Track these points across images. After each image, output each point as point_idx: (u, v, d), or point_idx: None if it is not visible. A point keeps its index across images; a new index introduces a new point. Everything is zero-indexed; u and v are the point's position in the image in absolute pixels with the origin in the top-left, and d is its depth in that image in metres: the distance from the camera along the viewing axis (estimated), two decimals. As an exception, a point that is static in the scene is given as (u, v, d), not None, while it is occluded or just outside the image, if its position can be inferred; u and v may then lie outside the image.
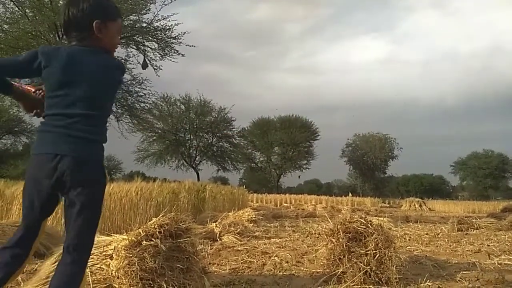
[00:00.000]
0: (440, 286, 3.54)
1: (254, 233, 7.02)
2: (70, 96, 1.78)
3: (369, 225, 3.63)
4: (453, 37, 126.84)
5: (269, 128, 42.63)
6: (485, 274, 3.96)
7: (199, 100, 31.66)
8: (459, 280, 3.70)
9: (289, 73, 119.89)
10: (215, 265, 4.17)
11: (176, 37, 15.23)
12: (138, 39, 15.14)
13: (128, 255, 2.72)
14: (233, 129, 33.60)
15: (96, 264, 2.87)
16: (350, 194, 31.27)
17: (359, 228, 3.59)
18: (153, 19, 14.61)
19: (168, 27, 14.92)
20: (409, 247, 5.79)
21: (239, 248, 5.37)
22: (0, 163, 32.74)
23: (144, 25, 14.76)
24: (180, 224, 2.95)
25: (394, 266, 3.43)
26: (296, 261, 4.53)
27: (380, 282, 3.35)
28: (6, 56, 12.82)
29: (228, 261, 4.41)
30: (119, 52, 15.50)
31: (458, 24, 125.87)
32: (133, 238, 2.78)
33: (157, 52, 15.43)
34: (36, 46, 12.62)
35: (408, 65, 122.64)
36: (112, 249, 2.90)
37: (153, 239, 2.77)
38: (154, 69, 15.45)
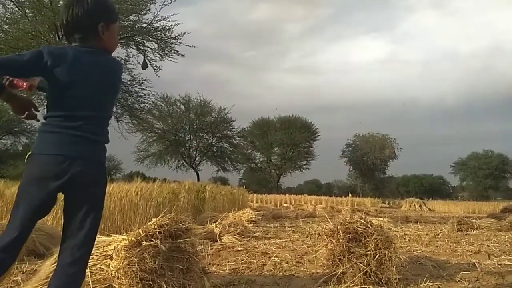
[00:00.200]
0: (440, 286, 3.54)
1: (254, 233, 7.02)
2: (76, 97, 1.78)
3: (369, 226, 3.63)
4: (453, 37, 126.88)
5: (269, 129, 42.62)
6: (485, 274, 3.97)
7: (199, 101, 31.70)
8: (459, 281, 3.69)
9: (289, 73, 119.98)
10: (215, 266, 4.17)
11: (176, 38, 15.24)
12: (138, 39, 15.14)
13: (128, 255, 2.72)
14: (233, 130, 33.66)
15: (96, 264, 2.87)
16: (350, 195, 31.25)
17: (359, 229, 3.59)
18: (153, 20, 14.62)
19: (168, 28, 14.94)
20: (409, 248, 5.79)
21: (239, 249, 5.37)
22: (0, 163, 32.76)
23: (144, 25, 14.76)
24: (180, 224, 2.95)
25: (394, 266, 3.43)
26: (296, 262, 4.53)
27: (380, 283, 3.35)
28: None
29: (228, 262, 4.41)
30: (119, 52, 15.51)
31: (458, 24, 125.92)
32: (133, 239, 2.78)
33: (157, 53, 15.44)
34: (36, 46, 12.61)
35: (408, 65, 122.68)
36: (112, 249, 2.90)
37: (153, 239, 2.77)
38: (154, 69, 15.46)
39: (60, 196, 1.79)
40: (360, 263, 3.42)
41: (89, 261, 2.85)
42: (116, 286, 2.74)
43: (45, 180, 1.70)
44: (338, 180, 73.39)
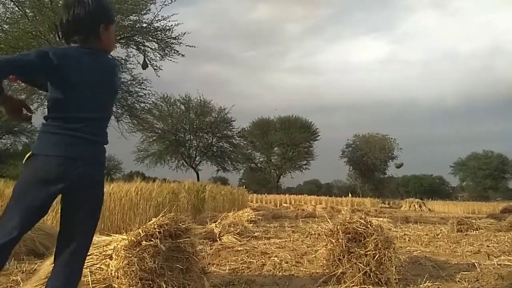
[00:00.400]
0: (440, 286, 3.54)
1: (254, 233, 7.02)
2: (78, 99, 1.78)
3: (369, 226, 3.63)
4: (453, 37, 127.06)
5: (269, 129, 42.61)
6: (484, 275, 3.97)
7: (199, 100, 31.65)
8: (458, 281, 3.70)
9: (289, 73, 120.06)
10: (214, 265, 4.17)
11: (176, 38, 15.21)
12: (138, 39, 15.11)
13: (127, 255, 2.72)
14: (233, 130, 33.60)
15: (96, 264, 2.87)
16: (349, 195, 31.27)
17: (358, 229, 3.59)
18: (153, 20, 14.59)
19: (168, 28, 14.90)
20: (408, 248, 5.79)
21: (239, 249, 5.37)
22: (0, 163, 32.75)
23: (144, 25, 14.74)
24: (180, 224, 2.95)
25: (394, 266, 3.43)
26: (296, 262, 4.53)
27: (380, 283, 3.35)
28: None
29: (228, 262, 4.41)
30: (119, 52, 15.49)
31: (458, 24, 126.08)
32: (132, 238, 2.78)
33: (157, 52, 15.40)
34: (36, 46, 12.60)
35: (408, 65, 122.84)
36: (111, 249, 2.90)
37: (152, 239, 2.77)
38: (154, 69, 15.43)
39: (58, 196, 1.79)
40: (360, 263, 3.42)
41: (89, 260, 2.87)
42: (116, 286, 2.74)
43: (47, 182, 1.69)
44: (338, 180, 73.47)
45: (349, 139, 48.17)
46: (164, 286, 2.70)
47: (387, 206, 31.84)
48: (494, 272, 4.04)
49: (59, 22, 1.90)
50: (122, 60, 15.58)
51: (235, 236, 6.20)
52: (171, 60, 15.54)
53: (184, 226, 2.96)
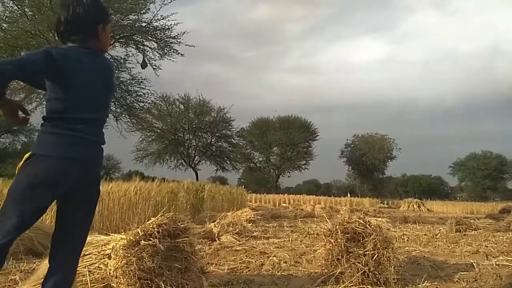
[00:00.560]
0: (438, 286, 3.55)
1: (253, 233, 7.02)
2: (79, 99, 1.77)
3: (368, 226, 3.63)
4: (453, 37, 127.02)
5: (268, 128, 42.60)
6: (483, 275, 3.97)
7: (198, 100, 31.64)
8: (457, 281, 3.70)
9: (289, 73, 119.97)
10: (213, 265, 4.17)
11: (176, 37, 15.19)
12: (138, 38, 15.09)
13: (126, 254, 2.72)
14: (232, 129, 33.58)
15: (94, 263, 2.86)
16: (348, 195, 31.29)
17: (357, 229, 3.59)
18: (152, 19, 14.57)
19: (167, 27, 14.88)
20: (407, 248, 5.80)
21: (238, 248, 5.37)
22: (-1, 162, 32.71)
23: (144, 24, 14.72)
24: (179, 224, 2.94)
25: (392, 266, 3.43)
26: (295, 261, 4.53)
27: (378, 283, 3.36)
28: (5, 55, 12.80)
29: (227, 261, 4.41)
30: (119, 51, 15.50)
31: (458, 24, 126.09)
32: (131, 238, 2.78)
33: (156, 52, 15.39)
34: (35, 45, 12.58)
35: (408, 65, 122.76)
36: (110, 248, 2.89)
37: (151, 238, 2.77)
38: (154, 68, 15.42)
39: None
40: (359, 263, 3.43)
41: (87, 260, 2.87)
42: (114, 285, 2.74)
43: (50, 183, 1.68)
44: (337, 180, 73.54)
45: (348, 139, 48.28)
46: (163, 285, 2.70)
47: (386, 206, 31.87)
48: (492, 272, 4.05)
49: (56, 21, 1.88)
50: (121, 59, 15.57)
51: (234, 236, 6.20)
52: (170, 59, 15.55)
53: (183, 225, 2.96)
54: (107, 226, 6.15)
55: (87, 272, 2.78)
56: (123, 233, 3.14)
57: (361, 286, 3.33)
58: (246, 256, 4.78)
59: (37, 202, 1.68)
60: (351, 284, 3.35)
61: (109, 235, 3.16)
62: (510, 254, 5.21)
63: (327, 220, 4.48)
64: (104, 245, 2.98)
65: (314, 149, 43.61)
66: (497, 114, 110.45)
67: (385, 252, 3.44)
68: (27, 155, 1.72)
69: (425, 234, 7.81)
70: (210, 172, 35.16)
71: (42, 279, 1.83)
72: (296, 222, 10.74)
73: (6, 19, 13.06)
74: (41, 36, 12.40)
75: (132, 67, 15.92)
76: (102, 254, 2.91)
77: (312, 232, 7.45)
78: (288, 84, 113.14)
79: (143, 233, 2.79)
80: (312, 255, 4.67)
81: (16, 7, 12.97)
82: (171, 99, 31.05)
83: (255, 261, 4.45)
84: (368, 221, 3.75)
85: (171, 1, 14.34)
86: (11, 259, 3.92)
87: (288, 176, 44.88)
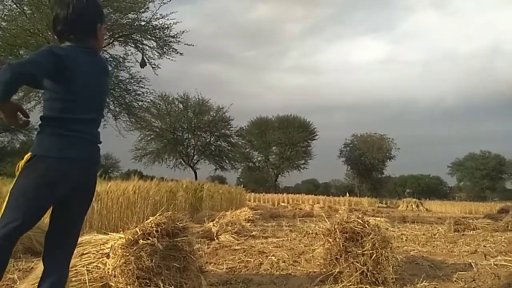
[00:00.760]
0: (437, 286, 3.55)
1: (252, 232, 7.02)
2: (79, 100, 1.77)
3: (366, 225, 3.64)
4: (453, 37, 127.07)
5: (267, 128, 42.63)
6: (481, 274, 3.98)
7: (197, 99, 31.65)
8: (455, 281, 3.71)
9: (288, 73, 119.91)
10: (212, 264, 4.17)
11: (175, 36, 15.21)
12: (137, 37, 15.09)
13: (125, 253, 2.71)
14: (231, 129, 33.62)
15: (93, 262, 2.86)
16: (347, 194, 31.32)
17: (356, 228, 3.60)
18: (151, 18, 14.58)
19: (166, 26, 14.90)
20: (406, 248, 5.80)
21: (236, 248, 5.37)
22: (-3, 161, 32.66)
23: (143, 23, 14.72)
24: (177, 223, 2.94)
25: (391, 266, 3.43)
26: (293, 261, 4.53)
27: (377, 282, 3.36)
28: (3, 54, 12.78)
29: (225, 260, 4.41)
30: (117, 50, 15.48)
31: (458, 24, 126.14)
32: (130, 237, 2.78)
33: (156, 51, 15.39)
34: (34, 43, 12.56)
35: (408, 65, 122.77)
36: (109, 247, 2.89)
37: (150, 238, 2.77)
38: (153, 67, 15.42)
39: None
40: (357, 262, 3.43)
41: (86, 259, 2.87)
42: (113, 285, 2.74)
43: (54, 184, 1.68)
44: (335, 179, 73.62)
45: (347, 138, 48.33)
46: (161, 284, 2.69)
47: (385, 205, 31.89)
48: (490, 272, 4.05)
49: (53, 20, 1.83)
50: (120, 58, 15.59)
51: (232, 235, 6.20)
52: (169, 58, 15.56)
53: (181, 225, 2.96)
54: (106, 225, 6.15)
55: (85, 271, 2.78)
56: (122, 232, 3.13)
57: (360, 285, 3.33)
58: (244, 255, 4.78)
59: (39, 203, 1.68)
60: (350, 284, 3.35)
61: (108, 234, 3.16)
62: (509, 254, 5.22)
63: (326, 219, 4.49)
64: (103, 244, 2.97)
65: (313, 149, 43.74)
66: (497, 114, 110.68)
67: (383, 252, 3.44)
68: (27, 155, 1.70)
69: (423, 234, 7.82)
70: (209, 172, 35.30)
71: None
72: (295, 221, 10.74)
73: (5, 17, 13.05)
74: (40, 35, 12.38)
75: (131, 66, 15.96)
76: (100, 253, 2.91)
77: (310, 231, 7.45)
78: (287, 84, 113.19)
79: (141, 232, 2.79)
80: (311, 255, 4.67)
81: (15, 6, 12.95)
82: (170, 98, 31.10)
83: (254, 261, 4.45)
84: (367, 221, 3.76)
85: (170, 0, 14.33)
86: (9, 258, 3.90)
87: (286, 176, 44.99)
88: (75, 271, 2.77)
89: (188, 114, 31.84)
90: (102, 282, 2.77)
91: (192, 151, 32.62)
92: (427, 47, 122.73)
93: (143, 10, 14.46)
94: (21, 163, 1.70)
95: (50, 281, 1.75)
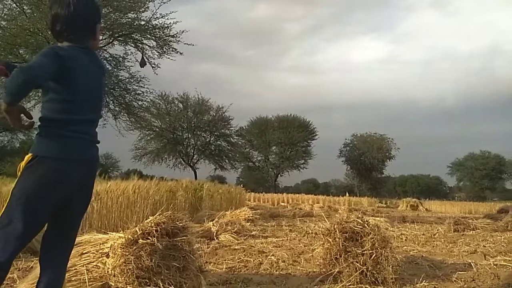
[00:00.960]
0: (436, 286, 3.55)
1: (251, 232, 7.02)
2: (81, 100, 1.77)
3: (366, 225, 3.64)
4: (453, 37, 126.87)
5: (267, 128, 42.62)
6: (480, 274, 3.98)
7: (197, 99, 31.65)
8: (455, 281, 3.71)
9: (288, 72, 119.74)
10: (211, 264, 4.17)
11: (175, 35, 15.19)
12: (137, 37, 15.08)
13: (124, 253, 2.71)
14: (231, 128, 33.63)
15: (93, 262, 2.86)
16: (347, 194, 31.29)
17: (355, 228, 3.60)
18: (151, 17, 14.58)
19: (166, 25, 14.89)
20: (405, 247, 5.81)
21: (236, 247, 5.37)
22: (-3, 160, 32.64)
23: (143, 23, 14.71)
24: (177, 222, 2.94)
25: (390, 266, 3.43)
26: (293, 261, 4.53)
27: (376, 282, 3.36)
28: (3, 53, 12.76)
29: (225, 260, 4.41)
30: (117, 49, 15.46)
31: (458, 24, 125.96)
32: (129, 237, 2.78)
33: (155, 50, 15.38)
34: (34, 43, 12.55)
35: (408, 65, 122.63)
36: (108, 247, 2.89)
37: (149, 237, 2.77)
38: (152, 67, 15.41)
39: None
40: (357, 262, 3.43)
41: (86, 258, 2.87)
42: (113, 284, 2.74)
43: (53, 184, 1.68)
44: (335, 179, 73.56)
45: (347, 138, 48.32)
46: (161, 284, 2.69)
47: (384, 205, 31.88)
48: (490, 272, 4.05)
49: (52, 19, 1.81)
50: (120, 58, 15.57)
51: (232, 235, 6.20)
52: (169, 58, 15.54)
53: (181, 224, 2.96)
54: (106, 224, 6.14)
55: (85, 270, 2.78)
56: (121, 231, 3.13)
57: (359, 285, 3.33)
58: (244, 255, 4.78)
59: (41, 204, 1.67)
60: (349, 284, 3.35)
61: (107, 233, 3.16)
62: (508, 254, 5.22)
63: (326, 219, 4.49)
64: (102, 243, 2.97)
65: (313, 149, 43.74)
66: (497, 114, 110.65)
67: (383, 252, 3.45)
68: (28, 156, 1.70)
69: (423, 234, 7.82)
70: (209, 171, 35.34)
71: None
72: (295, 221, 10.74)
73: (5, 16, 13.03)
74: (40, 34, 12.36)
75: (131, 66, 15.94)
76: (100, 253, 2.91)
77: (310, 231, 7.46)
78: (287, 84, 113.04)
79: (141, 231, 2.79)
80: (311, 254, 4.67)
81: (14, 5, 12.94)
82: (170, 97, 31.09)
83: (254, 260, 4.45)
84: (367, 221, 3.76)
85: (170, 0, 14.33)
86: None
87: (286, 175, 45.00)
88: (74, 271, 2.77)
89: (188, 113, 31.85)
90: (101, 282, 2.78)
91: (192, 151, 32.62)
92: (427, 47, 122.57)
93: (143, 9, 14.46)
94: (22, 164, 1.70)
95: (47, 281, 1.75)
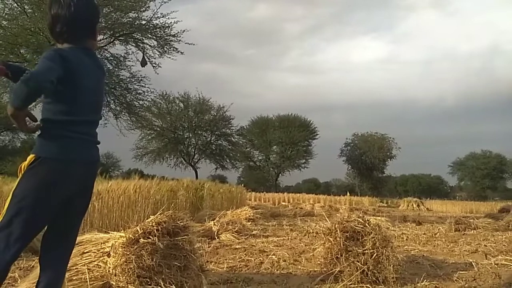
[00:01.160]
0: (437, 285, 3.55)
1: (252, 231, 7.02)
2: (83, 102, 1.77)
3: (367, 225, 3.64)
4: (453, 37, 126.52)
5: (268, 127, 42.63)
6: (482, 274, 3.98)
7: (198, 98, 31.68)
8: (456, 280, 3.70)
9: (288, 72, 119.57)
10: (212, 263, 4.17)
11: (176, 35, 15.21)
12: (137, 36, 15.09)
13: (125, 252, 2.72)
14: (231, 128, 33.68)
15: (94, 261, 2.87)
16: (348, 194, 31.20)
17: (356, 227, 3.60)
18: (152, 17, 14.60)
19: (167, 25, 14.91)
20: (406, 247, 5.80)
21: (237, 247, 5.38)
22: (-2, 160, 32.69)
23: (144, 22, 14.73)
24: (178, 222, 2.94)
25: (391, 265, 3.43)
26: (294, 260, 4.53)
27: (377, 281, 3.36)
28: (4, 53, 12.78)
29: (226, 259, 4.41)
30: (118, 49, 15.47)
31: (458, 24, 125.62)
32: (130, 236, 2.78)
33: (156, 50, 15.40)
34: (35, 43, 12.57)
35: (408, 65, 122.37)
36: (109, 246, 2.89)
37: (150, 236, 2.77)
38: (153, 66, 15.43)
39: None
40: (358, 261, 3.43)
41: (87, 258, 2.87)
42: (114, 283, 2.74)
43: (55, 185, 1.68)
44: (336, 179, 73.48)
45: (348, 138, 48.28)
46: (162, 283, 2.70)
47: (385, 205, 31.87)
48: (491, 272, 4.05)
49: (51, 19, 1.80)
50: (121, 57, 15.58)
51: (233, 234, 6.20)
52: (170, 57, 15.56)
53: (182, 224, 2.96)
54: (107, 224, 6.15)
55: (86, 270, 2.78)
56: (123, 231, 3.13)
57: (360, 284, 3.33)
58: (245, 254, 4.78)
59: (42, 205, 1.67)
60: (350, 283, 3.35)
61: (109, 233, 3.16)
62: (509, 253, 5.21)
63: (327, 219, 4.49)
64: (104, 243, 2.98)
65: (314, 148, 43.75)
66: (497, 114, 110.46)
67: (384, 251, 3.44)
68: (30, 157, 1.69)
69: (424, 233, 7.82)
70: (210, 171, 35.32)
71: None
72: (296, 220, 10.74)
73: (6, 16, 13.04)
74: (41, 34, 12.37)
75: (132, 65, 15.97)
76: (101, 252, 2.91)
77: (311, 230, 7.45)
78: (287, 83, 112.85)
79: (142, 231, 2.79)
80: (311, 254, 4.67)
81: (15, 4, 12.95)
82: (170, 97, 31.13)
83: (254, 260, 4.45)
84: (368, 220, 3.76)
85: (170, -1, 14.33)
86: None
87: (287, 175, 45.00)
88: (75, 270, 2.78)
89: (188, 113, 31.87)
90: (102, 281, 2.78)
91: (193, 150, 32.66)
92: (427, 47, 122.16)
93: (143, 9, 14.48)
94: (24, 164, 1.69)
95: (47, 281, 1.75)
